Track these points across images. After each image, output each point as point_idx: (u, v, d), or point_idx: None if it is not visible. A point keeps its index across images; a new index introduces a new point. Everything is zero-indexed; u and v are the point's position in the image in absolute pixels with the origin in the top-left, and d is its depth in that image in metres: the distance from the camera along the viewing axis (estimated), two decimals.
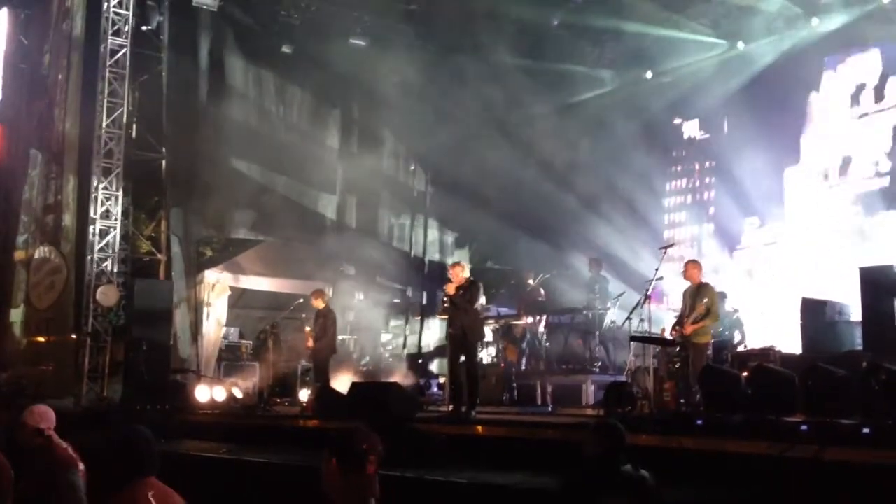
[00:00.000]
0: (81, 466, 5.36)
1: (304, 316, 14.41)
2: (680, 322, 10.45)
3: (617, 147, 16.79)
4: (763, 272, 15.18)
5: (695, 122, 17.65)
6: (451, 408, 10.94)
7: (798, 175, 15.45)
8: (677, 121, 17.85)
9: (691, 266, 10.71)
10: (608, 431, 4.95)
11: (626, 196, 16.58)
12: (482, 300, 11.20)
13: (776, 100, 15.32)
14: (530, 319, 14.44)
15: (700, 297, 10.30)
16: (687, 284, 10.74)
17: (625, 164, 16.60)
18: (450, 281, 10.93)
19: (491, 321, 14.17)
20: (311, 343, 13.40)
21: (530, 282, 15.07)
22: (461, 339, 10.68)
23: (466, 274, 10.89)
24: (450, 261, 19.55)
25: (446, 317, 11.29)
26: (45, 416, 5.51)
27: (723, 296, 12.71)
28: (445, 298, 10.94)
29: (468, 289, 10.71)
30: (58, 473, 5.28)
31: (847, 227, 14.35)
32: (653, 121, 17.28)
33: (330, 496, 3.53)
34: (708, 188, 17.38)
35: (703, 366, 9.87)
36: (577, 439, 5.16)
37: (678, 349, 10.33)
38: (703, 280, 10.70)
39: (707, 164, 17.42)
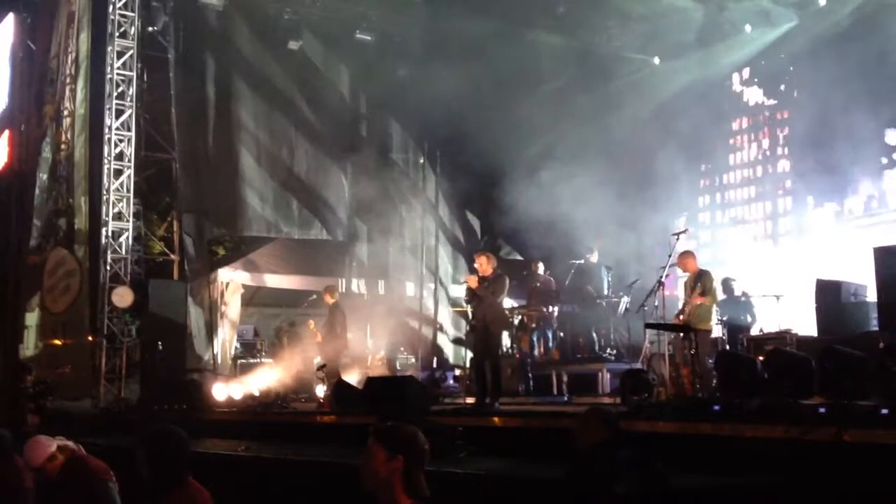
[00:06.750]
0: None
1: (305, 303, 14.38)
2: (683, 311, 10.53)
3: (657, 123, 16.06)
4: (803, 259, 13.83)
5: (758, 88, 16.47)
6: (474, 400, 10.98)
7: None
8: (738, 88, 16.83)
9: (686, 256, 10.79)
10: (602, 418, 4.93)
11: (667, 175, 15.57)
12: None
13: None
14: (545, 309, 14.44)
15: (698, 284, 10.43)
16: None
17: (668, 140, 15.61)
18: (473, 271, 10.89)
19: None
20: (319, 339, 13.47)
21: (539, 271, 15.06)
22: (484, 332, 10.62)
23: (494, 265, 10.74)
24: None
25: (468, 308, 11.28)
26: (42, 444, 5.42)
27: (730, 280, 12.72)
28: (467, 290, 10.89)
29: (493, 281, 10.59)
30: (95, 484, 5.19)
31: None
32: (704, 88, 16.30)
33: (378, 491, 3.49)
34: (781, 159, 15.97)
35: (707, 351, 9.90)
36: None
37: (681, 336, 10.35)
38: (701, 267, 10.79)
39: (778, 132, 16.06)
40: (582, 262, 14.82)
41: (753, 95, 16.72)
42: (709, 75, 16.52)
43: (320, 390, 13.42)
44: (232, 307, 17.42)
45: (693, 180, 16.84)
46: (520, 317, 14.64)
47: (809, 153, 14.93)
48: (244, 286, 17.77)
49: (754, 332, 12.07)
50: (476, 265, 10.87)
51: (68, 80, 17.77)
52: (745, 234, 16.47)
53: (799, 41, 15.23)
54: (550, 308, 14.41)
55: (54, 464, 5.30)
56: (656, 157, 15.64)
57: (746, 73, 16.76)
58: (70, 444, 5.44)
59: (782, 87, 16.12)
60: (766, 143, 16.42)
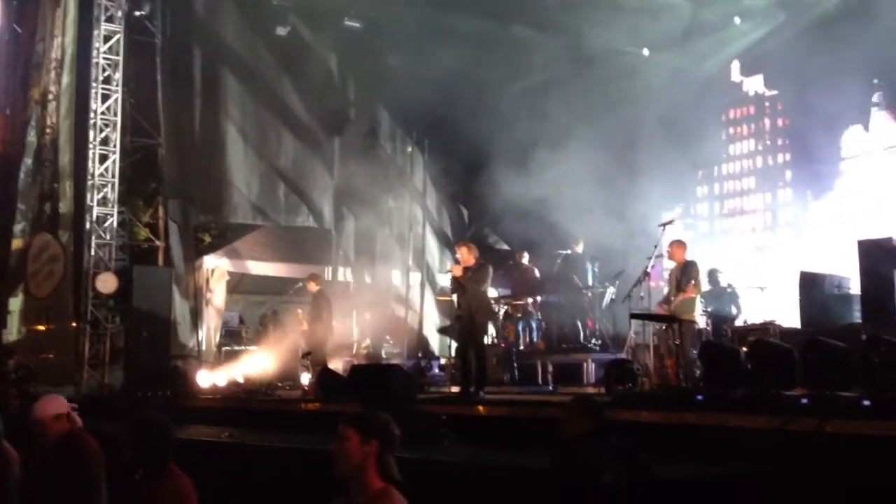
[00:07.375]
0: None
1: (291, 291, 14.34)
2: (667, 301, 10.53)
3: (649, 114, 15.89)
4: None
5: (759, 78, 16.33)
6: (458, 389, 10.98)
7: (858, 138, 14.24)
8: (737, 78, 16.69)
9: (676, 246, 10.78)
10: (588, 408, 4.94)
11: (665, 166, 15.35)
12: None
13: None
14: (529, 300, 14.45)
15: (685, 274, 10.40)
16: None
17: (661, 130, 15.49)
18: (457, 261, 10.90)
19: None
20: (304, 326, 13.45)
21: (523, 261, 15.06)
22: (469, 321, 10.62)
23: (476, 255, 10.76)
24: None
25: (453, 297, 11.28)
26: (57, 401, 5.32)
27: (716, 271, 12.76)
28: (451, 280, 10.89)
29: (476, 270, 10.62)
30: (88, 465, 5.09)
31: None
32: (697, 79, 16.20)
33: (351, 476, 3.55)
34: (782, 150, 15.87)
35: (692, 342, 9.94)
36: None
37: (664, 327, 10.37)
38: (688, 258, 10.74)
39: (779, 122, 15.97)
40: (568, 252, 14.82)
41: (753, 85, 16.62)
42: (702, 66, 16.50)
43: (305, 378, 13.41)
44: (217, 294, 17.37)
45: (688, 171, 16.78)
46: (505, 307, 14.65)
47: (807, 144, 14.86)
48: (229, 273, 17.72)
49: (739, 323, 12.12)
50: (458, 254, 10.91)
51: (54, 64, 17.63)
52: (744, 225, 16.44)
53: (794, 31, 15.15)
54: (535, 297, 14.43)
55: (60, 424, 5.18)
56: (648, 147, 15.61)
57: (746, 62, 16.66)
58: (78, 418, 5.39)
59: (780, 77, 15.97)
60: (765, 133, 16.35)
